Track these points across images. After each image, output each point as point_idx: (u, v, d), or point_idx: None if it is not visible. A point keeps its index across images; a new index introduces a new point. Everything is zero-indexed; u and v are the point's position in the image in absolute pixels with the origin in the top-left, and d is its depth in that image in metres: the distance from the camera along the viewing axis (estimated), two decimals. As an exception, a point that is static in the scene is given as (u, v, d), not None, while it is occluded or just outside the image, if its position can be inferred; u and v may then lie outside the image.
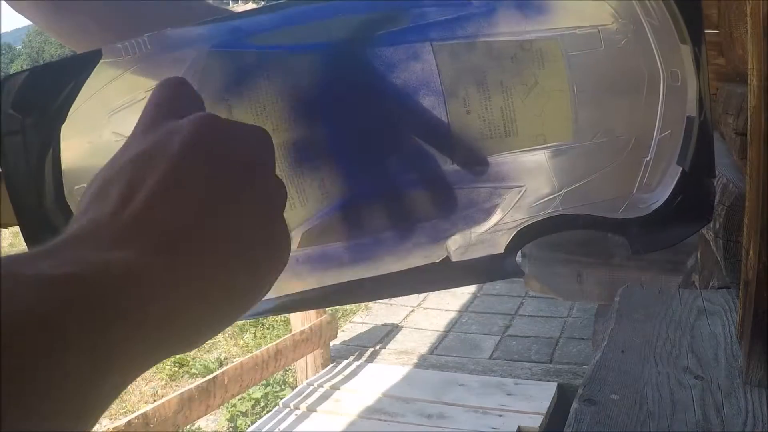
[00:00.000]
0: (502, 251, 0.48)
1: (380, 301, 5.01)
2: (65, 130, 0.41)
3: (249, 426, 3.51)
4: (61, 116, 0.40)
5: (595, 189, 0.46)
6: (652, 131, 0.45)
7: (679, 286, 2.08)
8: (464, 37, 0.42)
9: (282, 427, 3.32)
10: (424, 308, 4.88)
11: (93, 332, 0.23)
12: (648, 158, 0.46)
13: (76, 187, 0.41)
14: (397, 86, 0.43)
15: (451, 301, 4.96)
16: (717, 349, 1.06)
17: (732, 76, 1.98)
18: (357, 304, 4.94)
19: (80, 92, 0.40)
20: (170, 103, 0.35)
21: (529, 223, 0.47)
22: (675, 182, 0.46)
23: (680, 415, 0.88)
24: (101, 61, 0.41)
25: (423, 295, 5.07)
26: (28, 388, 0.21)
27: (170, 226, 0.29)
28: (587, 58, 0.44)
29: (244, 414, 3.82)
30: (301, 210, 0.44)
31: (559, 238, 2.46)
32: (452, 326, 4.58)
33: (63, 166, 0.41)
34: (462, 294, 5.06)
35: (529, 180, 0.46)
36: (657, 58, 0.44)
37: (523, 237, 0.47)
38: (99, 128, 0.41)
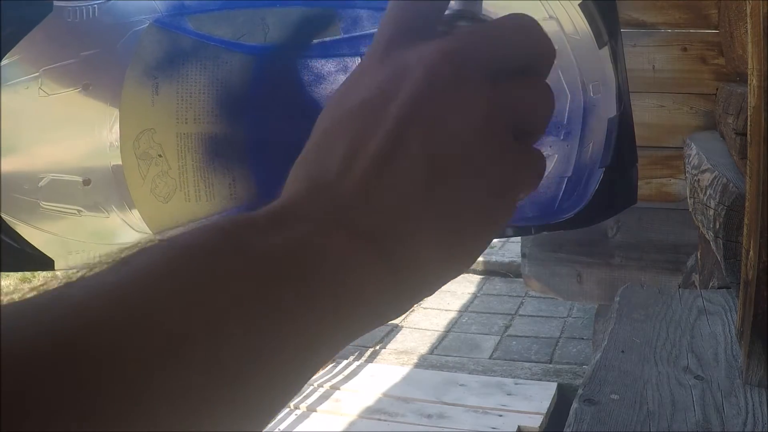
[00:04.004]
0: None
1: (380, 301, 5.02)
2: None
3: (249, 426, 3.51)
4: None
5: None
6: (573, 147, 0.46)
7: (679, 286, 2.08)
8: None
9: (282, 427, 3.31)
10: (424, 308, 4.88)
11: (309, 314, 0.25)
12: (569, 174, 0.47)
13: None
14: (323, 99, 0.44)
15: (451, 301, 4.96)
16: (717, 349, 1.06)
17: (732, 76, 1.98)
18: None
19: (20, 42, 0.40)
20: (410, 22, 0.30)
21: None
22: (598, 184, 0.47)
23: (680, 415, 0.88)
24: (48, 16, 0.41)
25: (423, 295, 5.08)
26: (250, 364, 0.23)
27: (391, 209, 0.27)
28: None
29: (244, 414, 3.83)
30: (206, 204, 0.44)
31: (560, 238, 2.47)
32: (452, 326, 4.58)
33: None
34: (462, 294, 5.06)
35: None
36: (578, 78, 0.45)
37: None
38: (28, 81, 0.41)
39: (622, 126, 0.46)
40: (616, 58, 0.45)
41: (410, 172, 0.27)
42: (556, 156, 0.46)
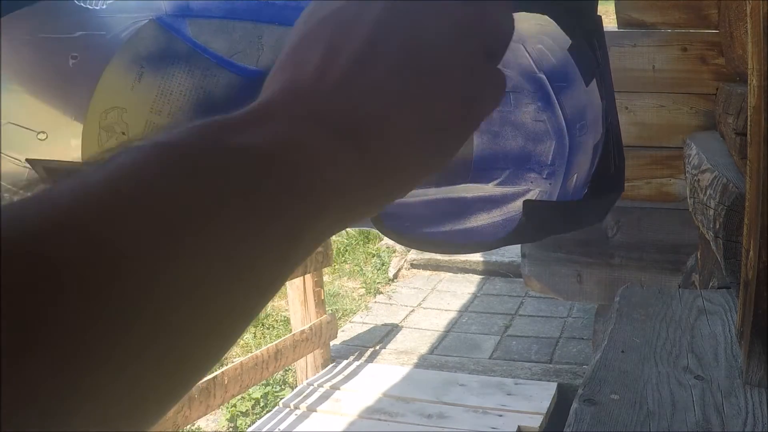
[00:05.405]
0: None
1: (380, 301, 5.01)
2: None
3: (249, 426, 3.51)
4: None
5: (488, 233, 0.47)
6: (557, 185, 0.46)
7: (679, 286, 2.08)
8: None
9: (282, 427, 3.31)
10: (424, 308, 4.88)
11: (288, 206, 0.25)
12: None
13: None
14: None
15: (451, 301, 4.96)
16: (717, 349, 1.07)
17: (732, 76, 1.98)
18: (357, 304, 4.94)
19: (23, 8, 0.41)
20: None
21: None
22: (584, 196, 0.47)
23: (680, 415, 0.88)
24: None
25: (423, 295, 5.08)
26: (235, 256, 0.23)
27: (368, 106, 0.28)
28: (495, 114, 0.46)
29: (244, 414, 3.82)
30: None
31: (560, 238, 2.47)
32: (452, 326, 4.58)
33: None
34: (462, 294, 5.06)
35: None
36: (564, 122, 0.45)
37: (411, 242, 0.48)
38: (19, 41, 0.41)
39: (608, 140, 0.46)
40: (603, 80, 0.45)
41: (387, 74, 0.29)
42: (538, 190, 0.46)
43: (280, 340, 3.50)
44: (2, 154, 0.42)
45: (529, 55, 0.44)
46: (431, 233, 0.46)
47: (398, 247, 5.64)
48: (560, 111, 0.45)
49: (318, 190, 0.26)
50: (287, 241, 0.26)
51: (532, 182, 0.46)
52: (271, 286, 0.26)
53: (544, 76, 0.45)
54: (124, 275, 0.20)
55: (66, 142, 0.42)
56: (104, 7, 0.41)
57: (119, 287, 0.20)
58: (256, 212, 0.24)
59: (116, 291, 0.20)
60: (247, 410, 3.84)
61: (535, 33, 0.44)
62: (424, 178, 0.31)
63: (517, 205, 0.46)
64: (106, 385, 0.20)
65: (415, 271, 5.52)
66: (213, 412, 3.25)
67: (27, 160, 0.40)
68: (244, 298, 0.24)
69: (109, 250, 0.20)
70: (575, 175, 0.46)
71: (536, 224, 0.43)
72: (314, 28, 0.30)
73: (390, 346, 4.30)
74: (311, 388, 3.64)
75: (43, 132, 0.42)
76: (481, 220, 0.46)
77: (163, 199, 0.22)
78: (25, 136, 0.42)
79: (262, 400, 3.91)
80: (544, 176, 0.46)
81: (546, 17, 0.43)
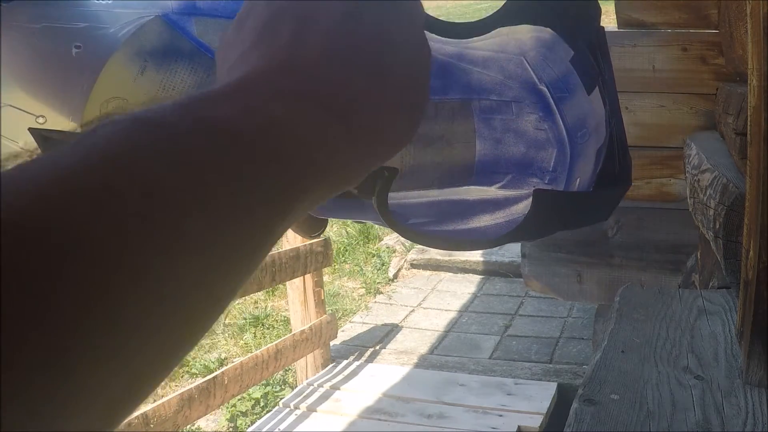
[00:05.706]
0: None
1: (380, 301, 5.01)
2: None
3: (249, 426, 3.50)
4: None
5: (491, 233, 0.47)
6: (559, 188, 0.46)
7: (679, 286, 2.08)
8: None
9: (282, 427, 3.31)
10: (424, 308, 4.88)
11: (273, 180, 0.25)
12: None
13: None
14: None
15: (451, 301, 4.96)
16: (717, 349, 1.07)
17: (732, 76, 1.98)
18: (357, 304, 4.94)
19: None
20: None
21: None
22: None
23: (680, 415, 0.88)
24: None
25: (423, 295, 5.08)
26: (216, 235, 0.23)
27: (345, 82, 0.29)
28: (498, 122, 0.46)
29: (244, 414, 3.82)
30: None
31: (560, 238, 2.46)
32: (452, 326, 4.58)
33: None
34: (462, 294, 5.06)
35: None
36: (565, 131, 0.45)
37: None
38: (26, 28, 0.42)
39: (612, 143, 0.46)
40: (606, 86, 0.45)
41: (363, 43, 0.30)
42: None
43: (280, 340, 3.50)
44: (2, 137, 0.42)
45: (531, 67, 0.44)
46: (435, 230, 0.47)
47: (398, 247, 5.64)
48: (561, 120, 0.45)
49: (309, 172, 0.27)
50: (269, 227, 0.25)
51: (534, 187, 0.46)
52: (251, 268, 0.26)
53: (545, 88, 0.45)
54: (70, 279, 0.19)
55: (64, 127, 0.42)
56: (110, 2, 0.42)
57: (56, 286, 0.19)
58: (238, 186, 0.24)
59: (120, 259, 0.19)
60: (247, 410, 3.84)
61: (537, 45, 0.44)
62: (401, 141, 0.32)
63: (520, 207, 0.46)
64: (110, 355, 0.20)
65: (415, 271, 5.52)
66: (213, 412, 3.25)
67: (28, 129, 0.40)
68: (221, 288, 0.24)
69: (57, 248, 0.19)
70: (578, 179, 0.46)
71: (544, 216, 0.43)
72: (280, 10, 0.31)
73: (390, 346, 4.30)
74: (311, 388, 3.64)
75: (42, 116, 0.42)
76: (484, 221, 0.46)
77: (135, 187, 0.21)
78: (24, 119, 0.42)
79: (262, 400, 3.91)
80: (546, 181, 0.46)
81: (548, 29, 0.43)
